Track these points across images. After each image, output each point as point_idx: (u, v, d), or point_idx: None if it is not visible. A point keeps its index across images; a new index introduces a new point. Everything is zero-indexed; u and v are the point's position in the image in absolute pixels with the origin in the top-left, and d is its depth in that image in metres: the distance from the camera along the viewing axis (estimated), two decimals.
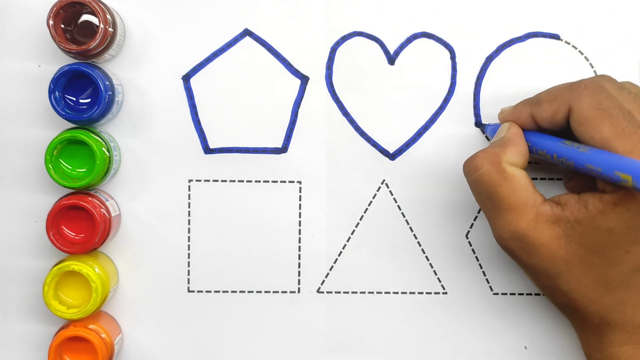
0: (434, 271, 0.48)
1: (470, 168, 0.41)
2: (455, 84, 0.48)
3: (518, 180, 0.40)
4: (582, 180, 0.45)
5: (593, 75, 0.47)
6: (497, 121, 0.47)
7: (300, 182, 0.48)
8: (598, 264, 0.39)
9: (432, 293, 0.48)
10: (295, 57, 0.47)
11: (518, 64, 0.48)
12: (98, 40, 0.43)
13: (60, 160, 0.45)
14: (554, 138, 0.41)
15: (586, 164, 0.38)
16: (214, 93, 0.47)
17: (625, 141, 0.37)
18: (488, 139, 0.47)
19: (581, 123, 0.39)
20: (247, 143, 0.48)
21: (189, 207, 0.48)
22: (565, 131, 0.42)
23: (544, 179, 0.48)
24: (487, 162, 0.41)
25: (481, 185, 0.41)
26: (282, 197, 0.48)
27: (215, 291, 0.48)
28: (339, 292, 0.48)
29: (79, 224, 0.45)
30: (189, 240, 0.48)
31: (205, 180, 0.48)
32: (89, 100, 0.45)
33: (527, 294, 0.48)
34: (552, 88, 0.42)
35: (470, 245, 0.48)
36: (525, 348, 0.48)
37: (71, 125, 0.46)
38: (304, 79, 0.48)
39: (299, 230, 0.48)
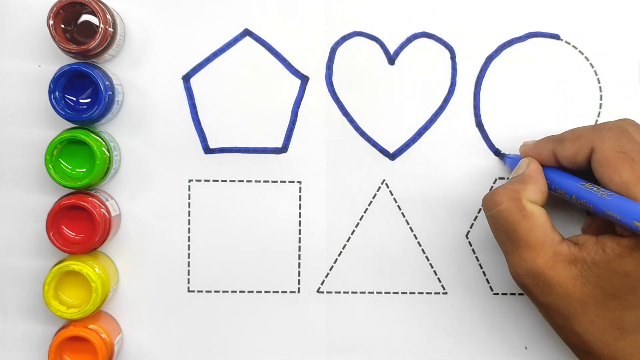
0: (434, 271, 0.48)
1: (490, 204, 0.41)
2: (455, 84, 0.48)
3: (537, 218, 0.40)
4: (601, 222, 0.44)
5: (593, 75, 0.47)
6: (498, 124, 0.47)
7: (300, 182, 0.48)
8: (613, 307, 0.39)
9: (432, 293, 0.48)
10: (295, 57, 0.47)
11: (518, 64, 0.48)
12: (98, 40, 0.43)
13: (60, 160, 0.45)
14: (574, 178, 0.42)
15: (605, 210, 0.38)
16: (214, 93, 0.47)
17: None
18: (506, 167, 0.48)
19: (602, 165, 0.39)
20: (247, 143, 0.48)
21: (189, 207, 0.48)
22: (585, 171, 0.42)
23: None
24: (507, 199, 0.41)
25: (500, 221, 0.41)
26: (282, 197, 0.48)
27: (215, 291, 0.48)
28: (339, 292, 0.48)
29: (79, 223, 0.45)
30: (189, 240, 0.48)
31: (205, 180, 0.48)
32: (89, 100, 0.45)
33: None
34: (576, 128, 0.42)
35: (470, 245, 0.48)
36: (526, 348, 0.48)
37: (71, 125, 0.46)
38: (304, 79, 0.48)
39: (299, 230, 0.48)
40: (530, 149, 0.44)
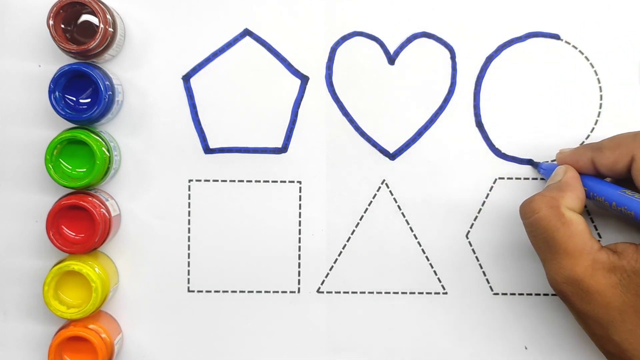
0: (434, 271, 0.48)
1: (528, 211, 0.41)
2: (455, 84, 0.48)
3: (576, 225, 0.40)
4: None
5: (593, 75, 0.47)
6: (498, 124, 0.47)
7: (300, 182, 0.48)
8: None
9: (432, 293, 0.48)
10: (295, 57, 0.47)
11: (518, 64, 0.48)
12: (98, 40, 0.43)
13: (60, 160, 0.45)
14: (613, 185, 0.42)
15: None
16: (214, 93, 0.47)
17: None
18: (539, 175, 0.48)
19: None
20: (247, 143, 0.48)
21: (189, 207, 0.48)
22: (624, 180, 0.42)
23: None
24: (545, 206, 0.41)
25: (538, 229, 0.41)
26: (282, 197, 0.48)
27: (215, 291, 0.48)
28: (339, 292, 0.48)
29: (79, 223, 0.45)
30: (189, 240, 0.48)
31: (205, 180, 0.48)
32: (89, 100, 0.45)
33: (527, 294, 0.48)
34: (616, 136, 0.43)
35: (470, 245, 0.48)
36: (526, 348, 0.48)
37: (71, 125, 0.46)
38: (304, 79, 0.48)
39: (299, 230, 0.48)
40: (568, 156, 0.44)
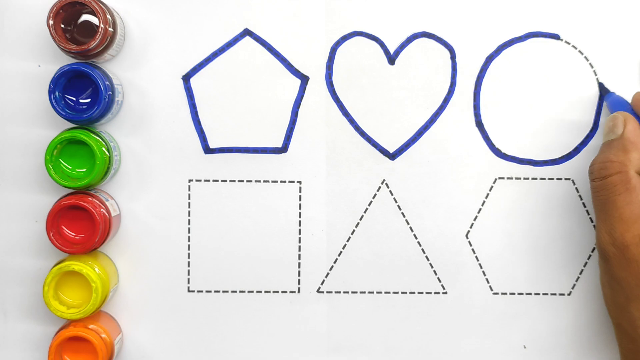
0: (434, 271, 0.48)
1: (597, 175, 0.42)
2: (455, 84, 0.48)
3: (637, 192, 0.41)
4: None
5: (593, 75, 0.47)
6: (498, 124, 0.47)
7: (300, 182, 0.48)
8: None
9: (432, 293, 0.48)
10: (295, 57, 0.47)
11: (518, 64, 0.48)
12: (98, 40, 0.43)
13: (60, 160, 0.45)
14: None
15: None
16: (214, 93, 0.47)
17: None
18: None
19: None
20: (247, 143, 0.48)
21: (189, 207, 0.48)
22: None
23: None
24: (615, 171, 0.41)
25: (603, 191, 0.42)
26: (282, 197, 0.48)
27: (215, 291, 0.48)
28: (339, 292, 0.48)
29: (79, 224, 0.45)
30: (189, 240, 0.48)
31: (205, 180, 0.48)
32: (89, 100, 0.45)
33: (527, 294, 0.48)
34: None
35: (470, 245, 0.48)
36: (525, 348, 0.48)
37: (71, 125, 0.46)
38: (304, 79, 0.48)
39: (299, 230, 0.48)
40: None
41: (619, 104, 0.45)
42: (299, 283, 0.48)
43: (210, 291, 0.48)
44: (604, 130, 0.45)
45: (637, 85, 0.47)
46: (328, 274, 0.48)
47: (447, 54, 0.48)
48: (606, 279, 0.43)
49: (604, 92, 0.47)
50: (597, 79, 0.47)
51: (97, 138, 0.45)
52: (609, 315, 0.44)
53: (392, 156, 0.48)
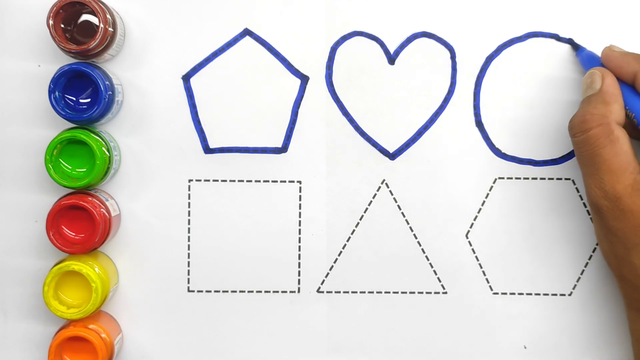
0: (434, 271, 0.48)
1: (579, 129, 0.42)
2: (455, 84, 0.48)
3: (622, 143, 0.41)
4: None
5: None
6: (498, 124, 0.47)
7: (300, 182, 0.48)
8: None
9: (432, 293, 0.48)
10: (295, 57, 0.47)
11: (518, 63, 0.48)
12: (98, 40, 0.43)
13: (60, 160, 0.45)
14: None
15: None
16: (214, 93, 0.47)
17: None
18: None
19: None
20: (247, 143, 0.48)
21: (189, 207, 0.48)
22: None
23: None
24: (596, 124, 0.41)
25: (586, 146, 0.41)
26: (282, 197, 0.48)
27: (215, 291, 0.48)
28: (339, 292, 0.48)
29: (79, 223, 0.45)
30: (189, 240, 0.48)
31: (205, 180, 0.48)
32: (89, 100, 0.45)
33: (527, 294, 0.48)
34: None
35: (470, 245, 0.48)
36: (525, 348, 0.48)
37: (71, 125, 0.46)
38: (304, 79, 0.48)
39: (299, 230, 0.48)
40: (613, 58, 0.43)
41: (592, 60, 0.45)
42: (299, 283, 0.48)
43: (210, 291, 0.48)
44: (582, 88, 0.44)
45: None
46: (328, 274, 0.48)
47: (447, 54, 0.48)
48: (602, 232, 0.42)
49: (575, 47, 0.47)
50: (567, 38, 0.47)
51: (97, 138, 0.45)
52: (610, 268, 0.44)
53: (392, 156, 0.48)
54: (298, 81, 0.48)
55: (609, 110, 0.41)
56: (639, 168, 0.41)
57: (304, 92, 0.48)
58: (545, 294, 0.48)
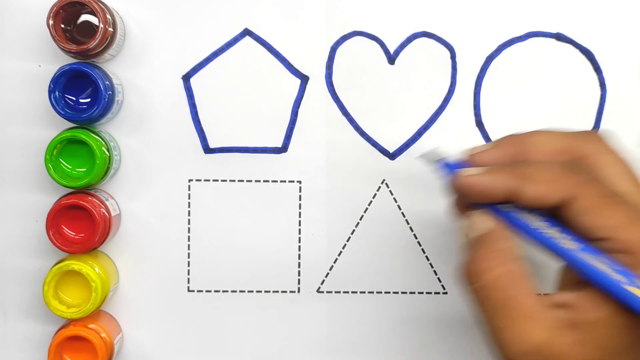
0: (434, 271, 0.48)
1: (476, 274, 0.35)
2: (455, 84, 0.48)
3: (527, 279, 0.34)
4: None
5: (593, 74, 0.47)
6: (498, 124, 0.47)
7: (300, 182, 0.48)
8: None
9: (432, 293, 0.48)
10: (295, 57, 0.47)
11: (518, 64, 0.48)
12: (98, 40, 0.43)
13: (60, 159, 0.45)
14: (529, 217, 0.35)
15: (580, 264, 0.34)
16: (214, 93, 0.47)
17: (637, 228, 0.33)
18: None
19: (584, 213, 0.33)
20: (247, 143, 0.48)
21: (189, 207, 0.48)
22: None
23: None
24: (494, 264, 0.35)
25: (491, 292, 0.34)
26: (282, 197, 0.48)
27: (215, 291, 0.48)
28: (339, 292, 0.48)
29: (79, 223, 0.45)
30: (189, 240, 0.48)
31: (205, 180, 0.48)
32: (88, 99, 0.45)
33: None
34: (548, 165, 0.35)
35: None
36: None
37: (71, 124, 0.46)
38: (304, 79, 0.48)
39: (299, 230, 0.48)
40: (486, 179, 0.36)
41: (455, 167, 0.38)
42: (298, 283, 0.48)
43: (210, 291, 0.48)
44: (464, 231, 0.37)
45: (638, 85, 0.47)
46: (328, 274, 0.48)
47: (447, 53, 0.48)
48: None
49: (430, 160, 0.40)
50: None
51: (97, 138, 0.45)
52: None
53: (392, 156, 0.48)
54: (298, 81, 0.48)
55: (508, 246, 0.35)
56: (547, 301, 0.34)
57: (304, 92, 0.48)
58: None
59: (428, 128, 0.48)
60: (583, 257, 0.34)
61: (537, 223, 0.35)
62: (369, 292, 0.48)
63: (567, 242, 0.34)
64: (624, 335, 0.33)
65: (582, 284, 0.34)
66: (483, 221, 0.36)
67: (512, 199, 0.35)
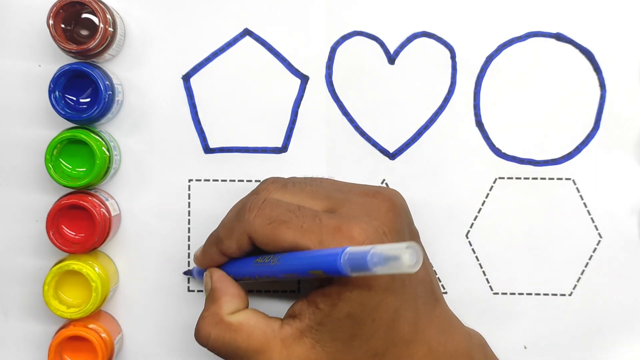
0: (434, 271, 0.48)
1: (202, 340, 0.41)
2: (455, 84, 0.48)
3: (247, 323, 0.39)
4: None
5: (593, 74, 0.47)
6: (498, 124, 0.47)
7: None
8: (357, 346, 0.38)
9: None
10: (295, 57, 0.47)
11: (518, 64, 0.48)
12: (98, 39, 0.43)
13: (60, 159, 0.45)
14: (249, 259, 0.41)
15: (284, 274, 0.38)
16: (214, 93, 0.47)
17: (310, 235, 0.37)
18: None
19: (265, 244, 0.39)
20: (247, 143, 0.48)
21: (189, 207, 0.48)
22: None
23: None
24: (211, 328, 0.40)
25: (219, 350, 0.40)
26: None
27: None
28: None
29: (79, 223, 0.45)
30: (189, 240, 0.48)
31: (205, 180, 0.48)
32: (89, 99, 0.45)
33: (527, 294, 0.48)
34: (226, 221, 0.42)
35: (470, 245, 0.48)
36: (525, 348, 0.48)
37: (71, 124, 0.46)
38: (304, 79, 0.48)
39: None
40: (200, 259, 0.44)
41: (200, 274, 0.45)
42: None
43: None
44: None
45: (638, 85, 0.47)
46: None
47: (447, 53, 0.48)
48: None
49: (188, 273, 0.48)
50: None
51: (97, 138, 0.45)
52: None
53: (392, 156, 0.48)
54: (298, 81, 0.48)
55: (218, 306, 0.41)
56: (277, 324, 0.39)
57: (304, 92, 0.48)
58: (545, 294, 0.48)
59: (428, 128, 0.48)
60: (284, 265, 0.38)
61: (253, 261, 0.40)
62: None
63: (273, 260, 0.39)
64: (348, 323, 0.38)
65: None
66: (205, 283, 0.43)
67: (231, 257, 0.42)
